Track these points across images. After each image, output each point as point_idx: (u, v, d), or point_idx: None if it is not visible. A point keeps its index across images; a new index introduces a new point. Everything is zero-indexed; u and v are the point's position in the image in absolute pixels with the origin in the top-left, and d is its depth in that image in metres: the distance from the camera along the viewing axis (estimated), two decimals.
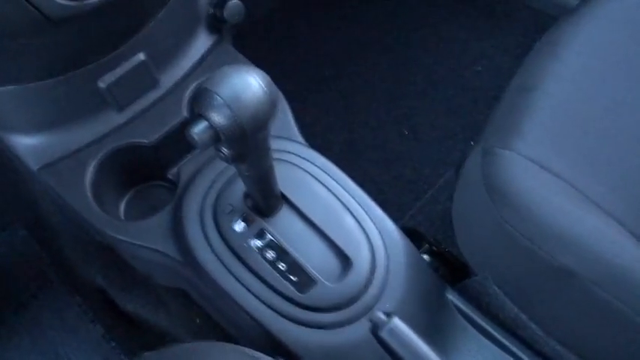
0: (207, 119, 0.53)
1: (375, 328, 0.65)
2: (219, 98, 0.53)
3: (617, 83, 0.73)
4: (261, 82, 0.54)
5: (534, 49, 0.78)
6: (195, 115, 0.54)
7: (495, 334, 0.73)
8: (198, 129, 0.53)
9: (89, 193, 0.77)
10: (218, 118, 0.53)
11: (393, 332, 0.64)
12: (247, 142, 0.57)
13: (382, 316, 0.66)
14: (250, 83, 0.54)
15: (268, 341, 0.70)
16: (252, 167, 0.64)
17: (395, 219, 0.76)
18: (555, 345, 0.68)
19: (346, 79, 1.40)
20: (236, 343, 0.58)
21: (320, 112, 1.33)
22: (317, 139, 0.82)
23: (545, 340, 0.69)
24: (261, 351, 0.59)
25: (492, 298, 0.71)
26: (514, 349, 0.73)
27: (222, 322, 0.82)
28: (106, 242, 0.81)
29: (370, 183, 0.85)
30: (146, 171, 0.84)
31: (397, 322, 0.65)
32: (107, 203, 0.82)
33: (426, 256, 0.84)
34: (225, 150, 0.58)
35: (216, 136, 0.55)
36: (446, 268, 0.81)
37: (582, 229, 0.61)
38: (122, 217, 0.85)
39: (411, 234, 0.78)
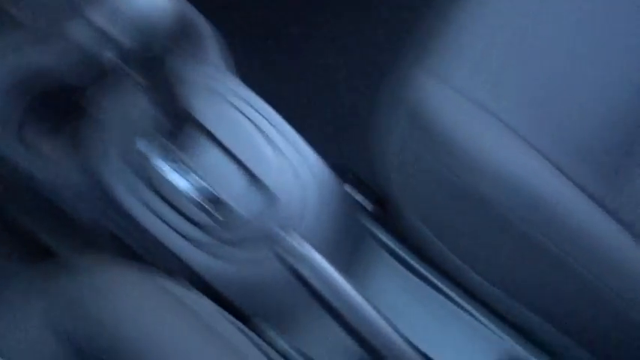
0: (113, 38, 0.53)
1: (294, 263, 0.64)
2: (124, 15, 0.52)
3: (556, 21, 0.71)
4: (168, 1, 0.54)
5: None
6: (103, 37, 0.54)
7: (422, 270, 0.73)
8: (105, 48, 0.53)
9: (11, 131, 0.75)
10: (122, 35, 0.52)
11: (313, 267, 0.63)
12: (156, 64, 0.56)
13: (302, 251, 0.65)
14: (157, 2, 0.53)
15: (192, 279, 0.69)
16: (167, 95, 0.62)
17: (330, 158, 0.75)
18: (480, 280, 0.68)
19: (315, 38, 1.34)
20: None
21: (281, 66, 1.27)
22: (273, 91, 0.80)
23: (470, 275, 0.69)
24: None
25: (417, 233, 0.70)
26: (442, 286, 0.73)
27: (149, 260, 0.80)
28: (42, 190, 0.79)
29: (315, 128, 0.83)
30: (70, 107, 0.81)
31: (317, 258, 0.63)
32: (32, 142, 0.79)
33: (360, 196, 0.82)
34: (134, 74, 0.57)
35: (123, 57, 0.54)
36: (376, 205, 0.80)
37: (505, 160, 0.60)
38: (50, 156, 0.83)
39: (342, 171, 0.77)
